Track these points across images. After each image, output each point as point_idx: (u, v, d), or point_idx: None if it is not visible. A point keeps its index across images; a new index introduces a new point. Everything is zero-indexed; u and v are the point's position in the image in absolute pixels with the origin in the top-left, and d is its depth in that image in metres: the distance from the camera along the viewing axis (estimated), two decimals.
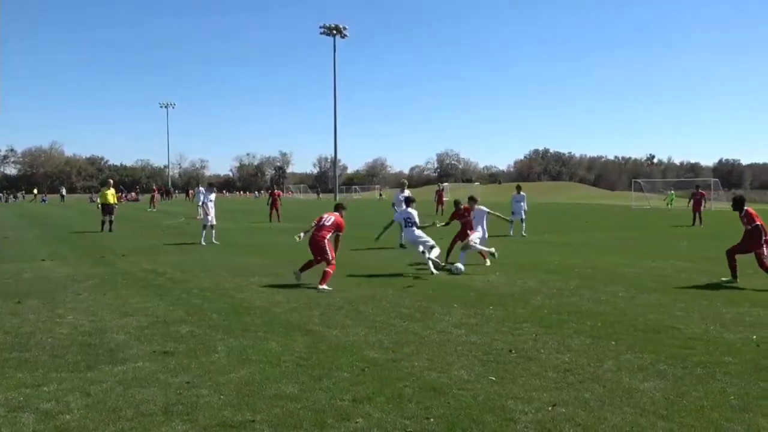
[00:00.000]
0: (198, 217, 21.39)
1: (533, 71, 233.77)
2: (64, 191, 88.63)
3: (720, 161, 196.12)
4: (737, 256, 12.01)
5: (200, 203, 23.75)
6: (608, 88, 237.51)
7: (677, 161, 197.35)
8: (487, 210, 14.78)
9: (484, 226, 14.63)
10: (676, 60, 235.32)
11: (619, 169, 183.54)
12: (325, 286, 11.21)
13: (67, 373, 6.39)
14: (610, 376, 6.15)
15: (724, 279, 12.07)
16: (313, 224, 12.09)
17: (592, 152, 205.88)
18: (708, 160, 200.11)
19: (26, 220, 36.14)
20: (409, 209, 14.23)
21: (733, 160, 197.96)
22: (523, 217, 23.16)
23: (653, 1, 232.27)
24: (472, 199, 14.89)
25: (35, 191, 63.84)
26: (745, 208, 12.36)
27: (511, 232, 22.40)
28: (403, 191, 19.66)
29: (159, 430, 4.91)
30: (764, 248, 11.66)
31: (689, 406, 5.32)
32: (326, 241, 11.79)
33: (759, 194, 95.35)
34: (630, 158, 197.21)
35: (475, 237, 14.15)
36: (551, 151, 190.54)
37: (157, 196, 55.65)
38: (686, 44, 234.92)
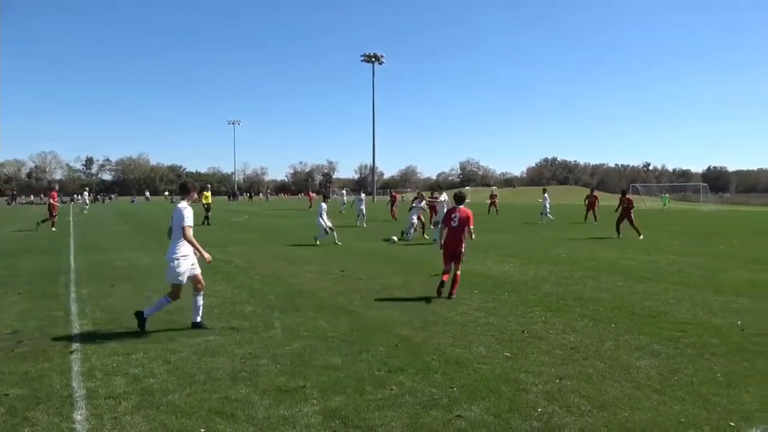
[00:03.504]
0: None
1: (543, 89, 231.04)
2: (148, 194, 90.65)
3: (708, 168, 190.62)
4: None
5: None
6: (609, 103, 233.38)
7: (670, 168, 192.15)
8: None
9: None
10: (669, 76, 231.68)
11: (619, 175, 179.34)
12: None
13: (151, 344, 6.53)
14: (610, 354, 6.03)
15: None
16: (450, 221, 9.40)
17: (594, 160, 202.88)
18: (698, 167, 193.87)
19: (119, 218, 37.02)
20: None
21: (721, 167, 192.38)
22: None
23: (648, 25, 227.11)
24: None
25: (147, 193, 65.50)
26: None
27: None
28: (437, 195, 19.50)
29: (226, 392, 4.99)
30: None
31: (680, 381, 5.18)
32: (464, 241, 9.38)
33: (744, 198, 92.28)
34: (628, 165, 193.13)
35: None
36: (559, 159, 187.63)
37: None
38: (678, 62, 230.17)
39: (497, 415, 4.46)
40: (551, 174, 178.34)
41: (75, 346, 6.47)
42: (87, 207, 45.99)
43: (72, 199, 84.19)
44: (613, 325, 7.25)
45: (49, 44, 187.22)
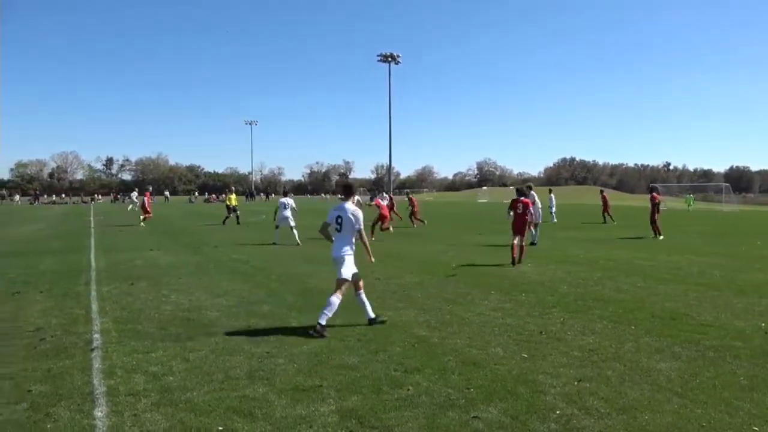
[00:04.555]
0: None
1: (562, 89, 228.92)
2: (168, 194, 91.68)
3: (731, 167, 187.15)
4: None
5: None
6: (628, 102, 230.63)
7: (691, 168, 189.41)
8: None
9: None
10: (689, 74, 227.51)
11: (638, 175, 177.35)
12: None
13: (170, 342, 6.60)
14: (630, 356, 5.95)
15: None
16: (511, 213, 13.29)
17: (613, 160, 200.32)
18: (720, 167, 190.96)
19: (137, 217, 37.42)
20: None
21: (743, 166, 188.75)
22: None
23: (669, 24, 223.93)
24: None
25: (167, 192, 66.63)
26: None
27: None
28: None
29: (244, 391, 5.02)
30: None
31: (702, 384, 5.10)
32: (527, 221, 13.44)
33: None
34: (648, 165, 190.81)
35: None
36: (577, 159, 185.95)
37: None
38: (698, 60, 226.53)
39: (515, 416, 4.43)
40: (569, 174, 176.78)
41: (96, 343, 6.56)
42: (137, 205, 47.46)
43: (92, 199, 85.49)
44: (632, 327, 7.16)
45: (69, 44, 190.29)
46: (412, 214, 26.23)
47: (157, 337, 6.82)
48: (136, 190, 71.35)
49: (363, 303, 7.37)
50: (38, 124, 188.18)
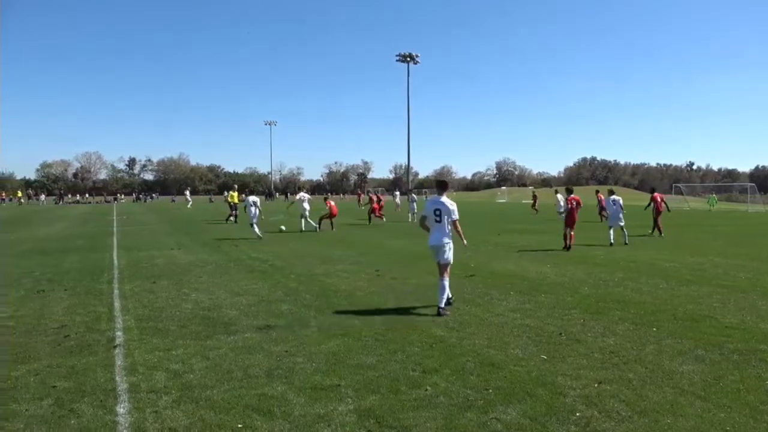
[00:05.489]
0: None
1: (582, 87, 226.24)
2: (188, 193, 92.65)
3: (756, 167, 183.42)
4: None
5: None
6: (651, 101, 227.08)
7: (715, 167, 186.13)
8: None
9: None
10: (712, 73, 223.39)
11: (661, 175, 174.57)
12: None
13: (190, 340, 6.68)
14: (652, 359, 5.87)
15: None
16: (573, 205, 16.30)
17: (635, 160, 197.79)
18: (745, 166, 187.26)
19: (159, 217, 37.98)
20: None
21: None
22: (622, 223, 17.53)
23: (691, 23, 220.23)
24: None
25: (187, 192, 67.97)
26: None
27: (611, 242, 17.17)
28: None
29: (263, 389, 5.06)
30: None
31: (726, 388, 5.01)
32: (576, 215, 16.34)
33: None
34: (671, 165, 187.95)
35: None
36: (598, 158, 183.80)
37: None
38: (721, 59, 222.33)
39: (534, 418, 4.40)
40: (590, 174, 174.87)
41: (118, 341, 6.67)
42: (191, 203, 48.39)
43: (115, 199, 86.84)
44: (654, 329, 7.05)
45: (93, 45, 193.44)
46: (372, 210, 28.92)
47: (177, 335, 6.90)
48: (189, 189, 74.14)
49: (443, 289, 8.11)
50: (63, 125, 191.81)
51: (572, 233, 16.13)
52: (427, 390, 5.00)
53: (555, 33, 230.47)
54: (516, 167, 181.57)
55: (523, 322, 7.49)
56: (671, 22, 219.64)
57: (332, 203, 24.96)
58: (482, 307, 8.44)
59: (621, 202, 17.88)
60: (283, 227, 23.83)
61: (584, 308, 8.32)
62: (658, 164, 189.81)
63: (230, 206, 30.84)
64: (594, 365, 5.66)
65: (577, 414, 4.46)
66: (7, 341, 6.70)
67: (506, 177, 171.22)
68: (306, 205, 23.54)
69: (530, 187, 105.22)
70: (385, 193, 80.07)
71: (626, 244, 17.25)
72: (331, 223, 24.47)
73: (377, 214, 29.07)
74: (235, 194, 31.80)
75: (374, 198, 29.60)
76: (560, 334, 6.85)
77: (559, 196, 32.19)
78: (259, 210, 20.79)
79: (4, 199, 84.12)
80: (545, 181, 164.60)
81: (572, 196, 16.80)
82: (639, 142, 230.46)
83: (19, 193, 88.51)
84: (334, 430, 4.25)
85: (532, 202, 41.59)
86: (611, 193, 18.36)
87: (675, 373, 5.40)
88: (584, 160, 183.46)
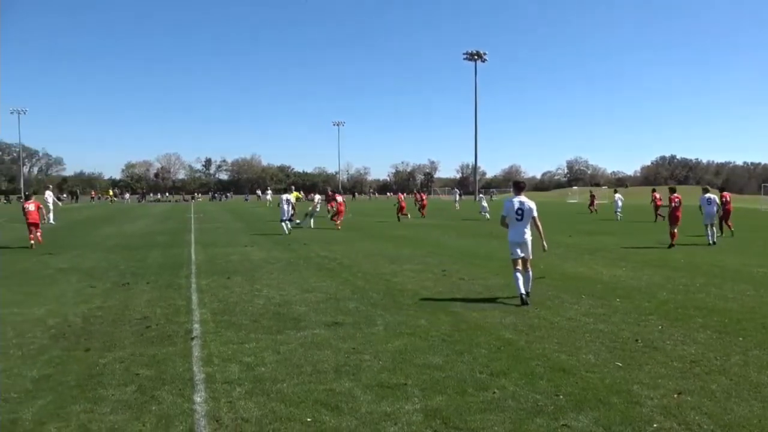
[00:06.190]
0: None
1: (659, 80, 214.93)
2: (260, 192, 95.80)
3: None
4: None
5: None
6: (736, 97, 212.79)
7: None
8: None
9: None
10: None
11: (748, 174, 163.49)
12: None
13: (262, 334, 6.90)
14: (737, 370, 5.50)
15: None
16: (675, 204, 17.07)
17: (719, 158, 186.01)
18: None
19: (232, 215, 39.45)
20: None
21: None
22: (714, 221, 18.07)
23: None
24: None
25: (259, 191, 70.96)
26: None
27: (711, 241, 17.52)
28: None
29: (331, 385, 5.15)
30: None
31: None
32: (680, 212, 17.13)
33: None
34: (759, 163, 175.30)
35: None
36: (678, 157, 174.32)
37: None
38: None
39: (607, 427, 4.23)
40: (669, 173, 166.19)
41: (195, 333, 6.99)
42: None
43: (192, 197, 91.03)
44: (740, 338, 6.61)
45: (172, 49, 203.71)
46: (400, 209, 31.56)
47: (250, 329, 7.15)
48: (270, 189, 77.66)
49: (528, 279, 8.70)
50: (146, 127, 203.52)
51: (675, 231, 16.79)
52: (494, 393, 4.92)
53: (632, 29, 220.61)
54: (588, 166, 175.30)
55: (596, 326, 7.22)
56: (762, 10, 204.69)
57: (340, 199, 26.60)
58: (552, 310, 8.21)
59: (717, 200, 18.34)
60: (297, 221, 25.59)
61: (662, 314, 7.92)
62: (744, 163, 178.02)
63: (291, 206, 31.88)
64: (673, 374, 5.38)
65: (655, 425, 4.25)
66: (97, 330, 7.17)
67: (578, 176, 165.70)
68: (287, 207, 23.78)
69: (604, 187, 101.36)
70: (451, 193, 79.49)
71: (714, 243, 17.46)
72: (335, 218, 25.59)
73: (403, 212, 31.21)
74: (294, 194, 32.85)
75: (419, 197, 33.24)
76: (636, 340, 6.55)
77: (617, 196, 32.76)
78: (293, 208, 22.22)
79: (93, 198, 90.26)
80: (620, 181, 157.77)
81: (674, 195, 17.35)
82: (723, 140, 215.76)
83: (110, 192, 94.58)
84: (400, 428, 4.26)
85: (589, 201, 41.87)
86: (705, 191, 18.89)
87: (763, 386, 5.04)
88: (662, 158, 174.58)
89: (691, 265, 12.88)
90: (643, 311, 8.12)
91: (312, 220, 26.23)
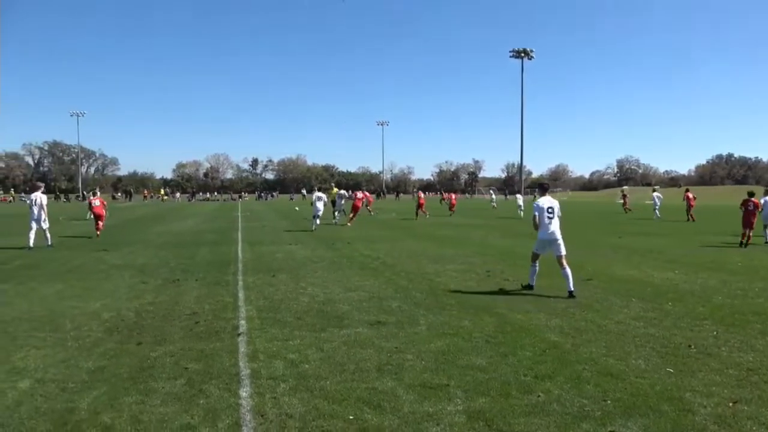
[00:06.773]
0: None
1: (715, 77, 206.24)
2: (304, 191, 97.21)
3: None
4: None
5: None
6: None
7: None
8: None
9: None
10: None
11: None
12: None
13: (306, 332, 6.98)
14: None
15: None
16: (751, 207, 17.66)
17: None
18: None
19: (278, 214, 40.10)
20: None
21: None
22: None
23: None
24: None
25: (303, 191, 72.88)
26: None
27: None
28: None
29: (374, 383, 5.16)
30: None
31: None
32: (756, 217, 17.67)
33: None
34: None
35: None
36: (735, 155, 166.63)
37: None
38: None
39: None
40: (726, 172, 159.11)
41: (241, 329, 7.13)
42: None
43: (240, 196, 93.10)
44: None
45: (223, 54, 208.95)
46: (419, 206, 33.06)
47: (294, 326, 7.25)
48: (317, 189, 79.15)
49: (567, 276, 9.14)
50: (196, 127, 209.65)
51: (749, 233, 17.16)
52: (539, 396, 4.83)
53: (686, 27, 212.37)
54: (639, 165, 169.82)
55: (647, 331, 6.98)
56: None
57: (359, 194, 29.37)
58: (600, 313, 7.99)
59: None
60: (296, 208, 26.91)
61: (718, 319, 7.59)
62: None
63: (333, 204, 32.28)
64: (729, 382, 5.15)
65: None
66: (148, 325, 7.43)
67: (628, 176, 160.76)
68: (319, 204, 24.30)
69: (657, 186, 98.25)
70: (496, 192, 78.59)
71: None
72: (351, 216, 27.09)
73: (422, 209, 32.89)
74: (333, 192, 34.56)
75: (446, 196, 35.69)
76: (689, 346, 6.31)
77: (655, 194, 33.13)
78: (325, 204, 23.55)
79: (146, 197, 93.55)
80: (673, 180, 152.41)
81: (752, 198, 18.07)
82: None
83: (161, 191, 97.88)
84: (442, 429, 4.23)
85: (622, 201, 41.39)
86: (766, 193, 18.91)
87: None
88: (719, 157, 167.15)
89: (749, 269, 12.31)
90: (697, 316, 7.81)
91: (338, 214, 28.35)
